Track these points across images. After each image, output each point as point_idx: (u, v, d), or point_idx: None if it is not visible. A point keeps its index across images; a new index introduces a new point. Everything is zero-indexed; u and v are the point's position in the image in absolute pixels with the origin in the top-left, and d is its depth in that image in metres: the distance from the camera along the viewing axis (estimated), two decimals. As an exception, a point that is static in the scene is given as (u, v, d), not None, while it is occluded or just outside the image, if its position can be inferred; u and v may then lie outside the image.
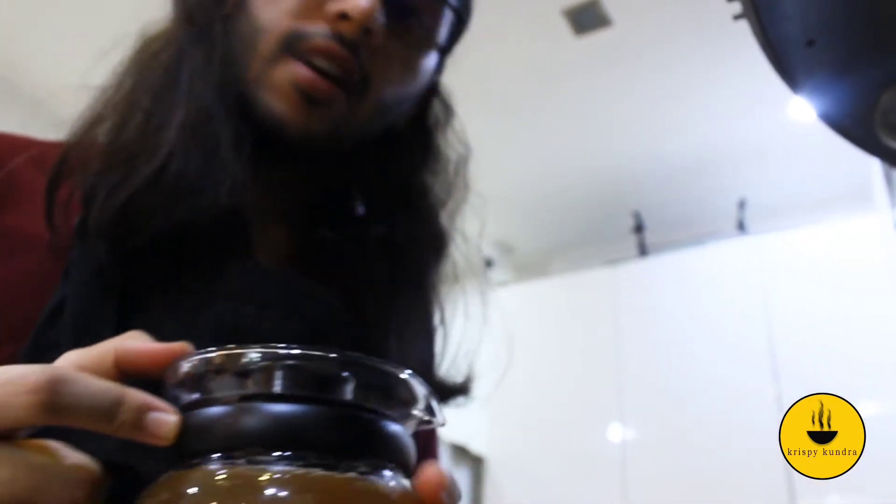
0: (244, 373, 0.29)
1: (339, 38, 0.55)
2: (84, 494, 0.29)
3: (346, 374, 0.30)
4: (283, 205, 0.64)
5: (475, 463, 3.47)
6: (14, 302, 0.49)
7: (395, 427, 0.31)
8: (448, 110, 0.70)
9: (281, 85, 0.55)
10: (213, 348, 0.30)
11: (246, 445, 0.28)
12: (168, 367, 0.32)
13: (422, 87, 0.65)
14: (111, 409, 0.29)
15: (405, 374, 0.31)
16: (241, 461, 0.28)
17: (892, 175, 1.74)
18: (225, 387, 0.30)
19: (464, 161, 0.70)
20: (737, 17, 0.53)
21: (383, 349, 0.59)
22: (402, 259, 0.64)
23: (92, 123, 0.55)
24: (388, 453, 0.30)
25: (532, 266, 4.22)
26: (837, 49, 0.57)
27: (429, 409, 0.33)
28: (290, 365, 0.29)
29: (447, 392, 0.64)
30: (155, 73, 0.56)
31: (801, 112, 2.83)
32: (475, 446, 3.41)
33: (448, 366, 0.66)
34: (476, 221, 0.71)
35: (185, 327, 0.49)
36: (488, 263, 4.02)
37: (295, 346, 0.29)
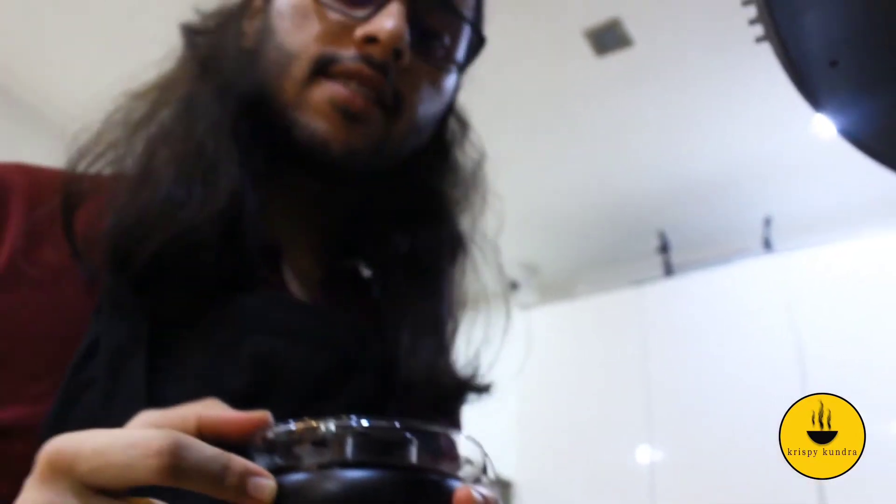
0: (321, 442, 0.33)
1: (368, 60, 0.56)
2: None
3: (409, 438, 0.33)
4: (314, 232, 0.65)
5: (503, 488, 3.45)
6: (52, 335, 0.49)
7: (456, 485, 0.34)
8: (463, 125, 0.71)
9: (319, 104, 0.56)
10: (292, 420, 0.34)
11: None
12: (253, 435, 0.35)
13: (446, 105, 0.66)
14: (221, 474, 0.31)
15: (461, 437, 0.35)
16: None
17: (920, 190, 1.72)
18: (305, 454, 0.33)
19: (480, 166, 0.71)
20: (759, 40, 0.54)
21: (412, 368, 0.59)
22: (425, 272, 0.65)
23: (97, 155, 0.55)
24: None
25: (557, 287, 4.21)
26: (861, 68, 0.57)
27: (482, 466, 0.36)
28: (360, 433, 0.33)
29: (462, 390, 0.64)
30: (161, 108, 0.57)
31: (826, 128, 2.82)
32: (503, 471, 3.38)
33: (466, 365, 0.66)
34: (494, 222, 0.72)
35: (218, 362, 0.50)
36: (514, 285, 4.00)
37: (364, 417, 0.33)
